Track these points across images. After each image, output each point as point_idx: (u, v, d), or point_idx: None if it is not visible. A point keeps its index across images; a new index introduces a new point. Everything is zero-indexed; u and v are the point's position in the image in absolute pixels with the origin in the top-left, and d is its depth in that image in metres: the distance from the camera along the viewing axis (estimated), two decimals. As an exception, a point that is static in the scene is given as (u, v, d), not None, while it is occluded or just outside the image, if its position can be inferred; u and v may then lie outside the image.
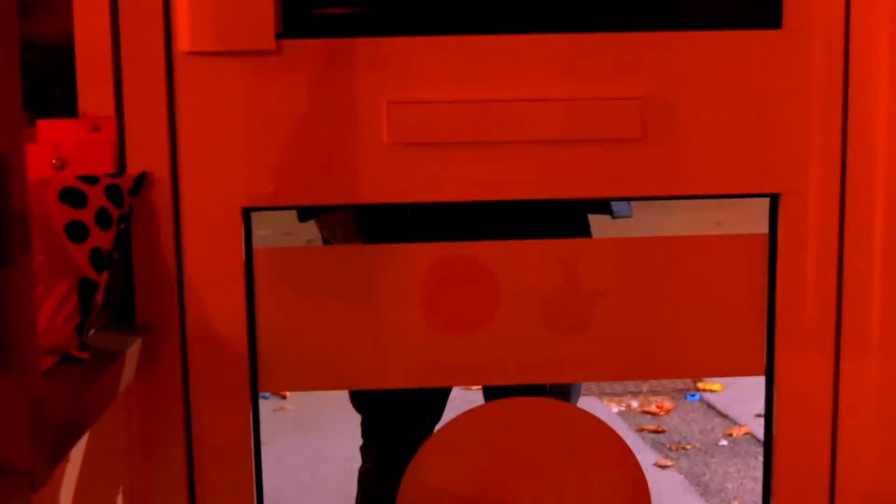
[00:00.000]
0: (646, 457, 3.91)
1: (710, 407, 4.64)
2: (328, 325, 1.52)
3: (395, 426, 2.18)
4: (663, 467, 4.01)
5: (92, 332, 1.32)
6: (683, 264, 1.55)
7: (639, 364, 1.58)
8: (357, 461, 2.30)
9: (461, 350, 1.53)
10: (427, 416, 2.13)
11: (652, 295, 1.55)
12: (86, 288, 1.28)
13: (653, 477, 1.72)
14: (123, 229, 1.38)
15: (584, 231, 2.03)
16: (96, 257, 1.30)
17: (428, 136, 1.47)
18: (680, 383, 4.87)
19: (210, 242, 1.46)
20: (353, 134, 1.46)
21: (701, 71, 1.48)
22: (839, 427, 1.55)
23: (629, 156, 1.49)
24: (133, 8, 1.41)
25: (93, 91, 1.42)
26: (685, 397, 4.77)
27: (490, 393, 2.07)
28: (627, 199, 1.95)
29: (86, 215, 1.31)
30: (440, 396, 2.19)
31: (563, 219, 1.97)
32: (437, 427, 1.66)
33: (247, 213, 1.48)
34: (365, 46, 1.45)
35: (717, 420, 4.49)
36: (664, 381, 4.86)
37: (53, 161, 1.38)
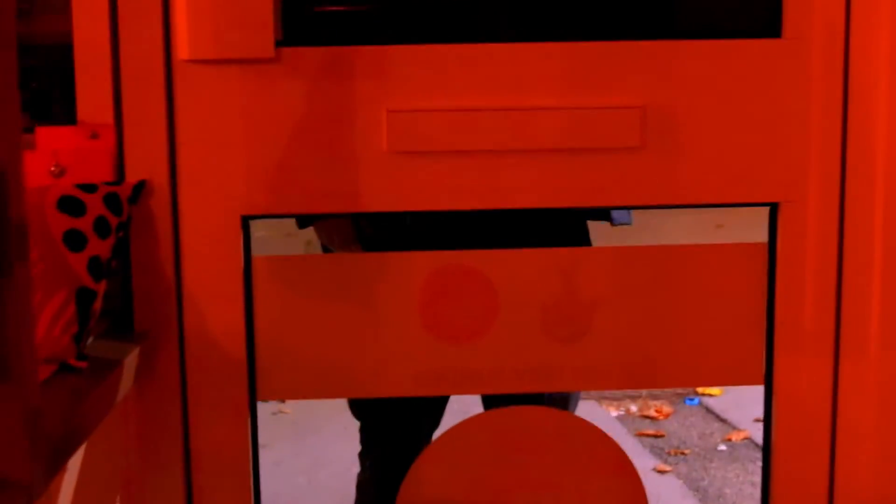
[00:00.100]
0: (644, 461, 3.90)
1: (709, 411, 4.63)
2: (327, 333, 1.52)
3: (394, 434, 2.18)
4: (662, 472, 4.00)
5: (90, 340, 1.32)
6: (682, 273, 1.55)
7: (638, 373, 1.58)
8: (356, 466, 2.30)
9: (460, 358, 1.53)
10: (426, 423, 2.13)
11: (651, 303, 1.55)
12: (84, 297, 1.27)
13: (651, 482, 1.72)
14: (122, 237, 1.38)
15: (584, 238, 2.03)
16: (95, 266, 1.29)
17: (428, 145, 1.46)
18: (679, 388, 4.86)
19: (209, 251, 1.46)
20: (352, 142, 1.46)
21: (700, 80, 1.48)
22: (838, 433, 1.55)
23: (629, 164, 1.49)
24: (132, 16, 1.41)
25: (92, 98, 1.42)
26: (684, 402, 4.76)
27: (489, 401, 2.06)
28: (627, 208, 1.94)
29: (84, 224, 1.30)
30: (439, 404, 2.19)
31: (563, 226, 1.97)
32: (436, 434, 1.66)
33: (245, 222, 1.48)
34: (365, 54, 1.45)
35: (716, 425, 4.48)
36: (663, 386, 4.84)
37: (52, 168, 1.38)
